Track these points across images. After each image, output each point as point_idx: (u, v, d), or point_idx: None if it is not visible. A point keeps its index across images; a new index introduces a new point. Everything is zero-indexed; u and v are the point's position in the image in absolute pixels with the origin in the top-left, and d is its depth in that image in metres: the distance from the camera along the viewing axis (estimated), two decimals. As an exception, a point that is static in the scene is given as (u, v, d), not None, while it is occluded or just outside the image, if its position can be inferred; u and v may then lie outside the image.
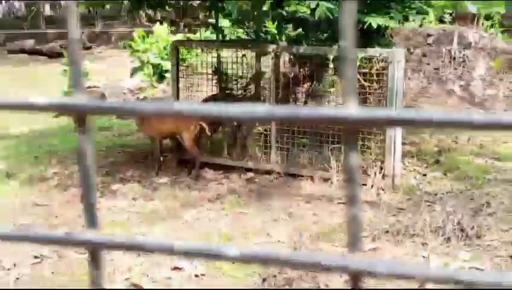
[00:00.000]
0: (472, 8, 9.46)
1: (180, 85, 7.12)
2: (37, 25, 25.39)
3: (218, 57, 6.89)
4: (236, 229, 5.20)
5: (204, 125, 6.57)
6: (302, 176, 6.40)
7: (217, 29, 6.88)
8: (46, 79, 13.82)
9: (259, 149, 6.63)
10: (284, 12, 6.88)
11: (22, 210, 5.64)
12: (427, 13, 6.19)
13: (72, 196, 6.09)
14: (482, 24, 11.45)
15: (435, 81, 10.47)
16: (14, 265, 4.51)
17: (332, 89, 6.79)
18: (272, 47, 6.37)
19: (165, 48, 11.54)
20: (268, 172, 6.56)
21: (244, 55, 7.06)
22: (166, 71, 11.36)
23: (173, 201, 5.90)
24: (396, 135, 5.94)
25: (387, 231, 4.97)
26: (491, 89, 10.21)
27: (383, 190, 5.99)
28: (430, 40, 11.18)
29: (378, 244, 4.81)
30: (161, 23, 12.75)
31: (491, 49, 10.89)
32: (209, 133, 6.68)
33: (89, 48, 22.86)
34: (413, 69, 10.65)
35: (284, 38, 6.65)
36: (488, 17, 11.49)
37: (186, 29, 16.85)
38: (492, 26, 11.68)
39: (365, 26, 5.71)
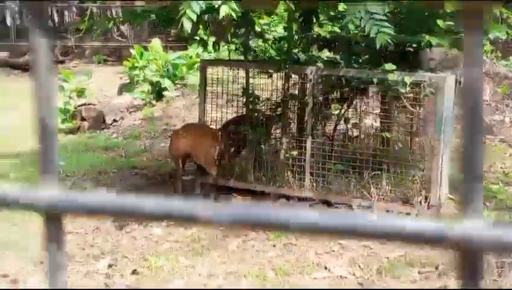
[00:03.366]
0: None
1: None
2: (5, 36, 24.53)
3: (247, 77, 6.61)
4: (289, 262, 4.90)
5: (221, 148, 6.31)
6: (339, 203, 6.14)
7: (246, 48, 6.60)
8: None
9: (292, 174, 6.34)
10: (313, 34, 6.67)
11: (53, 239, 5.21)
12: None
13: (102, 223, 5.69)
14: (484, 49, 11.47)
15: (441, 105, 10.40)
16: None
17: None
18: (310, 69, 6.12)
19: (163, 66, 11.20)
20: (301, 199, 6.28)
21: (270, 76, 6.80)
22: (164, 89, 11.01)
23: (212, 229, 5.56)
24: (443, 163, 5.75)
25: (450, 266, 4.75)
26: (498, 115, 10.18)
27: (427, 219, 5.76)
28: (432, 64, 11.12)
29: (447, 281, 4.57)
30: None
31: (494, 74, 10.89)
32: (225, 158, 6.41)
33: (62, 62, 22.27)
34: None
35: (319, 60, 6.41)
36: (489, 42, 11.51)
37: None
38: (492, 51, 11.72)
39: (421, 45, 5.55)
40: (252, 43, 6.98)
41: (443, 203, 5.84)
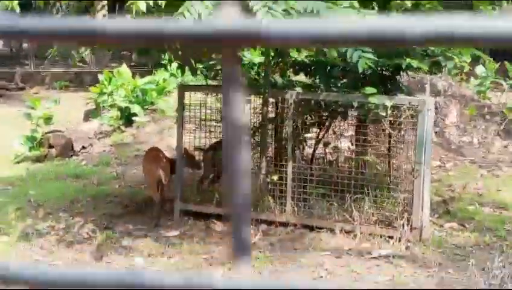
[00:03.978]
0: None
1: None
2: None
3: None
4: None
5: (161, 173, 6.28)
6: (321, 228, 6.10)
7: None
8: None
9: (273, 199, 6.28)
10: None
11: (32, 272, 5.01)
12: (452, 59, 6.14)
13: (79, 253, 5.51)
14: (449, 72, 11.67)
15: (410, 128, 10.52)
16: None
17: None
18: (290, 93, 6.11)
19: (132, 91, 11.06)
20: (283, 224, 6.22)
21: (249, 101, 6.76)
22: (134, 114, 10.86)
23: (195, 257, 5.45)
24: (424, 185, 5.77)
25: None
26: (466, 136, 10.35)
27: (409, 242, 5.78)
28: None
29: (438, 303, 4.56)
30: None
31: (460, 96, 11.10)
32: (164, 182, 6.37)
33: (22, 89, 21.84)
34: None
35: (298, 84, 6.41)
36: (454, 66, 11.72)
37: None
38: (457, 74, 11.94)
39: (402, 68, 5.63)
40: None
41: (425, 226, 5.85)
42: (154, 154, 6.80)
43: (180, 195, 6.54)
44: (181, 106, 6.60)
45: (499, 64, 10.22)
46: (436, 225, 6.36)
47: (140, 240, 5.90)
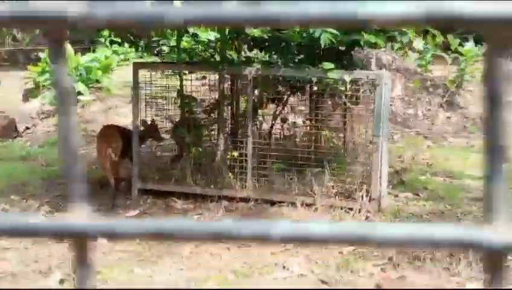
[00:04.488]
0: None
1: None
2: None
3: (181, 79, 6.48)
4: (247, 263, 4.85)
5: (110, 151, 6.27)
6: (282, 202, 6.16)
7: (179, 50, 6.47)
8: None
9: (233, 175, 6.29)
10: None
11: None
12: (406, 34, 6.24)
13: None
14: (392, 46, 11.89)
15: (357, 101, 10.69)
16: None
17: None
18: (248, 70, 6.09)
19: (75, 69, 10.77)
20: (245, 199, 6.24)
21: (204, 77, 6.72)
22: (78, 93, 10.59)
23: (160, 236, 5.40)
24: (382, 157, 5.90)
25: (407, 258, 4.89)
26: (411, 109, 10.61)
27: (369, 212, 5.91)
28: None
29: (403, 272, 4.70)
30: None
31: (404, 70, 11.35)
32: (115, 159, 6.32)
33: (-51, 69, 20.93)
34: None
35: (256, 60, 6.40)
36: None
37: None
38: (400, 48, 12.17)
39: (360, 44, 5.71)
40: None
41: (383, 197, 5.99)
42: (106, 132, 6.69)
43: (138, 174, 6.46)
44: (136, 84, 6.48)
45: (442, 38, 10.47)
46: (391, 195, 6.52)
47: (101, 220, 5.80)
